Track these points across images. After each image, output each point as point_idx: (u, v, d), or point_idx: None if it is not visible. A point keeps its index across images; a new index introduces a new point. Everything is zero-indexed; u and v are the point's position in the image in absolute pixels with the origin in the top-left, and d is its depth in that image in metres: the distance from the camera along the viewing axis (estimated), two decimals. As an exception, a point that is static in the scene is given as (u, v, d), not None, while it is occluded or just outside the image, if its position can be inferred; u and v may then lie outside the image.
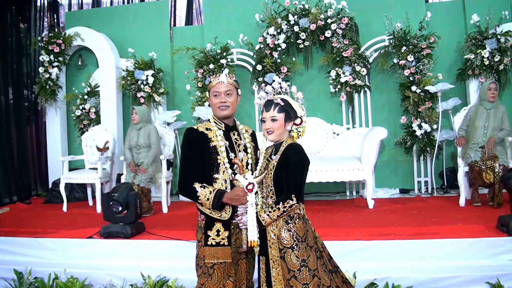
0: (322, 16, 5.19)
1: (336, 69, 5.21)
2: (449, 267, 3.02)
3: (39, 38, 6.12)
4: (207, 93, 2.38)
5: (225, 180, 2.08)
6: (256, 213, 1.98)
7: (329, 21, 5.18)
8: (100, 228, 3.66)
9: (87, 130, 5.70)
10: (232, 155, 2.10)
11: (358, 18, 5.26)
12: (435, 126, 5.00)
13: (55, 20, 7.02)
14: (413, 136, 5.08)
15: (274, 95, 2.09)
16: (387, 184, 5.46)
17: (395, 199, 4.93)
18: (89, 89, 6.00)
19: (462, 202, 4.31)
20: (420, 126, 5.00)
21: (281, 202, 1.95)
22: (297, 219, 2.00)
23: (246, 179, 2.01)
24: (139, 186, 4.46)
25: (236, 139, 2.17)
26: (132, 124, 4.82)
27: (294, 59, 5.50)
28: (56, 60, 5.92)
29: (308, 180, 2.16)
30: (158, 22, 6.15)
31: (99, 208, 4.83)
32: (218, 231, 2.05)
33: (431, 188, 5.22)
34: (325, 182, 4.49)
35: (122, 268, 3.34)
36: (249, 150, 2.18)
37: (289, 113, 2.06)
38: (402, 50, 5.00)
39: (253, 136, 2.28)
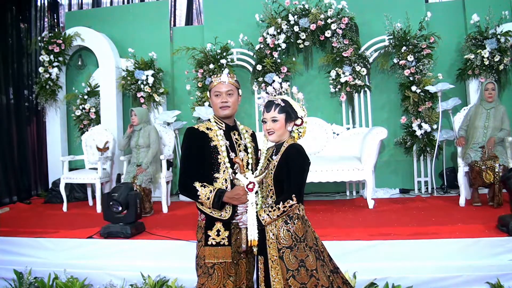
0: (322, 16, 5.18)
1: (336, 69, 5.21)
2: (449, 267, 3.02)
3: (39, 38, 6.10)
4: (207, 93, 2.38)
5: (226, 180, 2.08)
6: (256, 212, 1.99)
7: (329, 21, 5.18)
8: (100, 228, 3.66)
9: (87, 130, 5.69)
10: (232, 154, 2.11)
11: (358, 18, 5.26)
12: (435, 126, 5.00)
13: (55, 20, 7.02)
14: (413, 136, 5.08)
15: (275, 95, 2.10)
16: (387, 184, 5.45)
17: (395, 199, 4.93)
18: (89, 89, 5.99)
19: (462, 202, 4.31)
20: (420, 126, 5.00)
21: (281, 202, 1.95)
22: (296, 219, 2.00)
23: (247, 178, 2.01)
24: (141, 187, 4.47)
25: (236, 139, 2.18)
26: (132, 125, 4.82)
27: (294, 59, 5.49)
28: (56, 60, 5.91)
29: (308, 180, 2.16)
30: (158, 22, 6.14)
31: (99, 208, 4.83)
32: (218, 231, 2.05)
33: (431, 188, 5.22)
34: (325, 182, 4.49)
35: (122, 268, 3.34)
36: (249, 150, 2.19)
37: (290, 114, 2.06)
38: (402, 50, 5.00)
39: (253, 136, 2.29)
